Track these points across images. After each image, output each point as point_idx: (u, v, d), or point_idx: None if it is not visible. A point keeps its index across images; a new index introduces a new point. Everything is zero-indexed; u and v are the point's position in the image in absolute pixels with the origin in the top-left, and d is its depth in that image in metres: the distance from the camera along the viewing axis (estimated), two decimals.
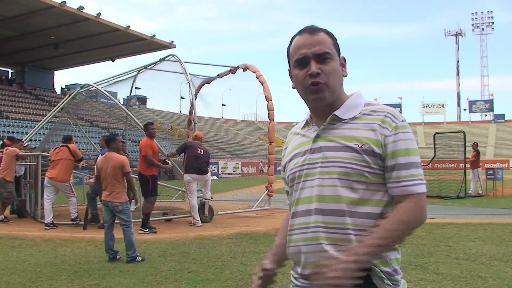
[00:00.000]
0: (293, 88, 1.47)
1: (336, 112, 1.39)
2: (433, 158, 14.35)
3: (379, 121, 1.36)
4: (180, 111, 31.38)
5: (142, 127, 8.57)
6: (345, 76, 1.44)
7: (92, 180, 8.66)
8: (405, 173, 1.32)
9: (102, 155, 6.85)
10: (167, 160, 9.00)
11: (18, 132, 24.34)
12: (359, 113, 1.39)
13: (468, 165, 14.45)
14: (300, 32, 1.42)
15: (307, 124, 1.49)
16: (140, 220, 7.87)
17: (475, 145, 14.62)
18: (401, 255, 1.38)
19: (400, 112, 1.42)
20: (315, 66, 1.36)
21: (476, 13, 75.57)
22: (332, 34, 1.43)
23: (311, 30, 1.40)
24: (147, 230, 7.65)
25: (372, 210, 1.33)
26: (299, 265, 1.40)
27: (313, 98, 1.39)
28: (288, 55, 1.46)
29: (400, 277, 1.35)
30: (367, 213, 1.32)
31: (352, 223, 1.31)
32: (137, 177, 7.95)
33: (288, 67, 1.48)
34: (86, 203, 9.04)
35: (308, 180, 1.39)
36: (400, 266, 1.36)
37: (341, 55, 1.45)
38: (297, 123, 1.62)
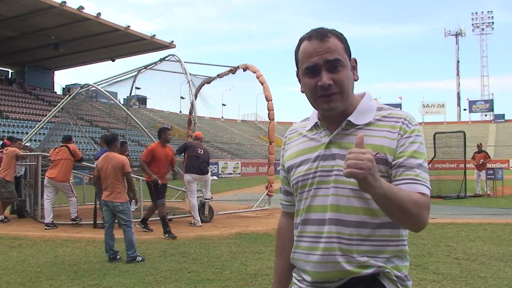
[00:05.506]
0: (302, 92, 1.40)
1: (350, 118, 1.35)
2: (433, 158, 14.34)
3: (397, 129, 1.32)
4: (180, 111, 31.43)
5: (142, 127, 8.57)
6: (356, 80, 1.38)
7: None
8: (412, 172, 1.28)
9: (97, 158, 6.78)
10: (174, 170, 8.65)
11: (18, 132, 24.32)
12: (373, 118, 1.35)
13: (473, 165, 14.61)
14: (309, 37, 1.33)
15: (315, 127, 1.42)
16: (139, 220, 7.93)
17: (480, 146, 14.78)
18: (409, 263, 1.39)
19: None
20: (326, 76, 1.29)
21: (476, 13, 75.61)
22: (343, 37, 1.36)
23: (321, 36, 1.32)
24: (143, 226, 7.81)
25: (386, 220, 1.31)
26: (306, 273, 1.39)
27: (324, 108, 1.33)
28: (296, 59, 1.38)
29: (410, 284, 1.35)
30: (381, 223, 1.32)
31: (366, 234, 1.31)
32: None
33: (296, 70, 1.41)
34: (86, 203, 9.04)
35: (321, 188, 1.35)
36: (408, 273, 1.37)
37: (352, 57, 1.38)
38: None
